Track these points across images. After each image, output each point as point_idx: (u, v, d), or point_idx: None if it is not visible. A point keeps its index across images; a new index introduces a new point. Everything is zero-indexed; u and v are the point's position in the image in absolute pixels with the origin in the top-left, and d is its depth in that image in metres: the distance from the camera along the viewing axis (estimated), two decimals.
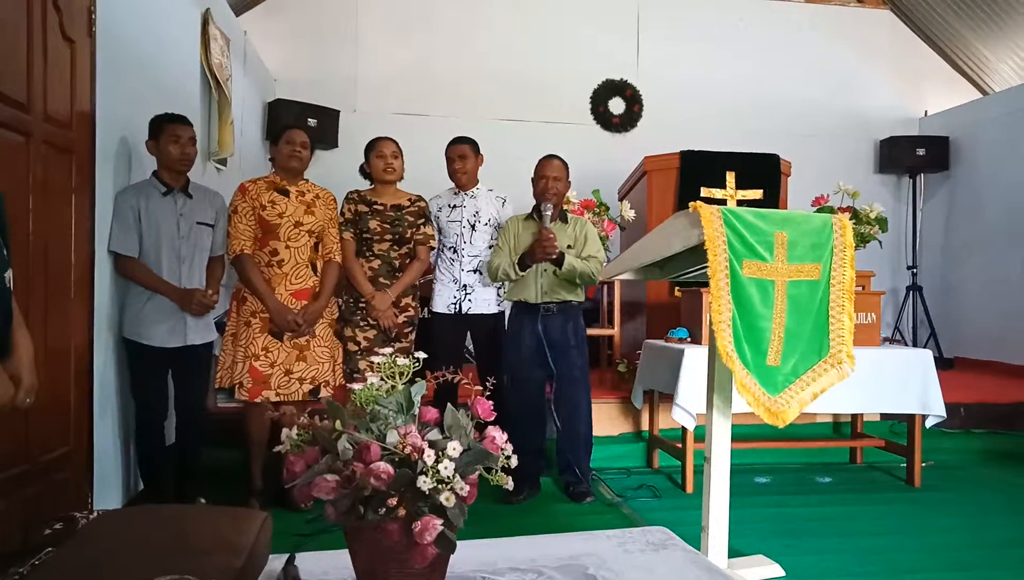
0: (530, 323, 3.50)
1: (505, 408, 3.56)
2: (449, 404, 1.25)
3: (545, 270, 3.46)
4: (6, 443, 2.21)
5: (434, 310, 3.75)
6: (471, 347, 3.99)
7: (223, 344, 3.29)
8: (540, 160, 3.60)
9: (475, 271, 3.70)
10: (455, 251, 3.70)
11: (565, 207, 4.02)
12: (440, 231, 3.76)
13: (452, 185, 3.78)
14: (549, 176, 3.50)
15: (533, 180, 3.59)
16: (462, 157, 3.69)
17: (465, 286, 3.69)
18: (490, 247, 3.73)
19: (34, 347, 1.58)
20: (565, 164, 3.58)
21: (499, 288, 3.76)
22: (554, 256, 3.34)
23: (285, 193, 3.30)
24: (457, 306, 3.68)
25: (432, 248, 3.65)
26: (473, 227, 3.70)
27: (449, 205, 3.74)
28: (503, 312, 3.79)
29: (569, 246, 3.47)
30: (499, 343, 3.81)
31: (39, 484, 2.43)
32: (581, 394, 3.57)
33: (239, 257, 3.21)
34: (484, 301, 3.71)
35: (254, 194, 3.25)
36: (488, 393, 1.31)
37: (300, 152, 3.31)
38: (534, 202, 3.58)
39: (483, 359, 3.79)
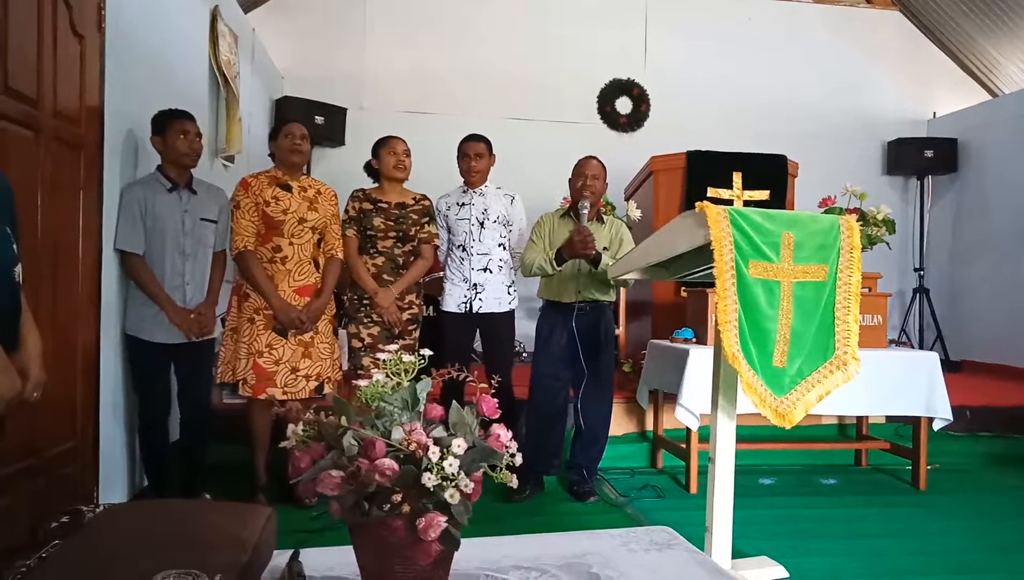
0: (564, 322, 3.50)
1: (509, 409, 3.58)
2: (454, 401, 1.25)
3: (580, 270, 3.46)
4: (13, 437, 2.22)
5: (444, 309, 3.72)
6: (478, 346, 3.99)
7: (223, 339, 3.30)
8: (579, 160, 3.59)
9: (485, 269, 3.67)
10: (464, 249, 3.68)
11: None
12: (449, 230, 3.75)
13: (460, 183, 3.78)
14: (588, 175, 3.50)
15: (570, 180, 3.59)
16: (479, 155, 3.67)
17: (476, 285, 3.66)
18: (500, 245, 3.72)
19: (42, 342, 1.59)
20: (603, 165, 3.58)
21: (510, 286, 3.75)
22: (591, 254, 3.34)
23: (288, 189, 3.30)
24: (468, 305, 3.66)
25: (436, 247, 3.65)
26: (482, 225, 3.68)
27: (458, 203, 3.73)
28: (513, 311, 3.79)
29: (605, 248, 3.46)
30: (509, 342, 3.81)
31: (45, 478, 2.45)
32: (606, 394, 3.58)
33: (242, 253, 3.21)
34: (495, 300, 3.68)
35: (256, 189, 3.25)
36: (493, 391, 1.31)
37: (301, 145, 3.30)
38: (541, 201, 3.59)
39: (491, 358, 3.78)
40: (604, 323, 3.54)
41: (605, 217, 3.64)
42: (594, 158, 3.59)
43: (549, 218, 3.62)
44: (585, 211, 3.39)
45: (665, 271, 2.68)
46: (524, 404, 3.68)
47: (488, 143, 3.73)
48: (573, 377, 3.55)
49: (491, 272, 3.68)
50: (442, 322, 3.74)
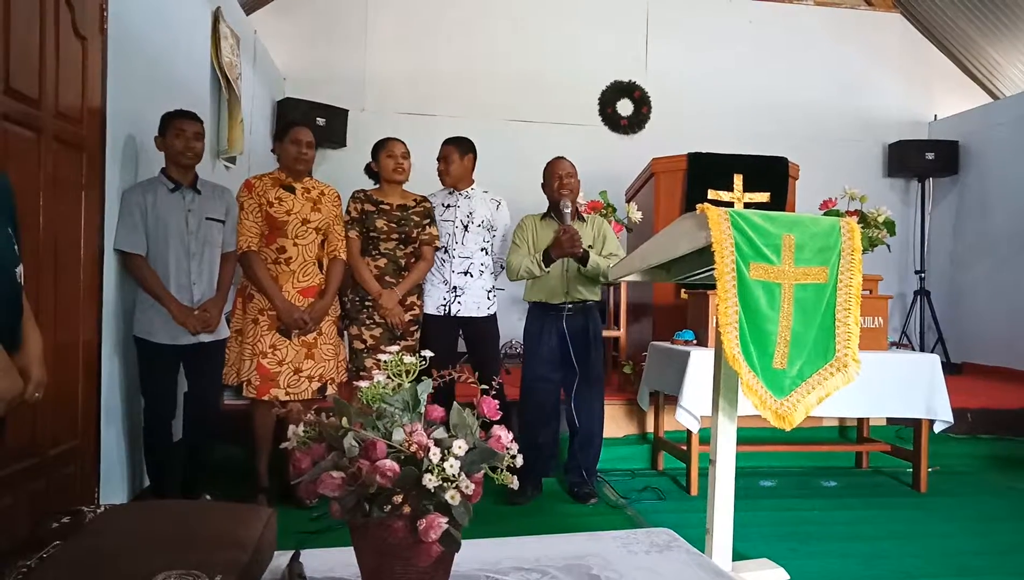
0: (553, 323, 3.49)
1: (521, 409, 3.57)
2: (455, 402, 1.25)
3: (567, 269, 3.46)
4: (15, 437, 2.23)
5: (425, 311, 3.67)
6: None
7: (228, 341, 3.29)
8: (549, 162, 3.60)
9: (465, 273, 3.65)
10: (446, 252, 3.66)
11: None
12: None
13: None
14: (562, 174, 3.51)
15: (544, 183, 3.59)
16: (444, 158, 3.69)
17: (455, 288, 3.64)
18: (482, 249, 3.71)
19: (43, 342, 1.59)
20: (573, 164, 3.60)
21: (490, 291, 3.74)
22: (579, 252, 3.34)
23: (291, 190, 3.30)
24: (447, 308, 3.64)
25: (437, 248, 3.65)
26: (466, 228, 3.66)
27: (443, 205, 3.71)
28: (495, 315, 3.78)
29: (590, 246, 3.47)
30: (493, 345, 3.80)
31: (46, 478, 2.45)
32: (597, 394, 3.58)
33: (245, 254, 3.22)
34: (474, 304, 3.66)
35: (260, 190, 3.26)
36: (493, 392, 1.31)
37: (306, 153, 3.31)
38: (545, 202, 3.59)
39: (476, 361, 3.74)
40: (592, 322, 3.55)
41: (585, 215, 3.64)
42: (563, 158, 3.60)
43: (531, 220, 3.60)
44: (568, 210, 3.39)
45: (666, 273, 2.68)
46: (515, 406, 3.68)
47: (459, 145, 3.70)
48: (563, 378, 3.55)
49: (471, 276, 3.66)
50: (425, 324, 3.69)
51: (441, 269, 3.68)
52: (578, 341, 3.48)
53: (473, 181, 3.77)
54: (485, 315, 3.71)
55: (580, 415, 3.53)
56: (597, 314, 3.62)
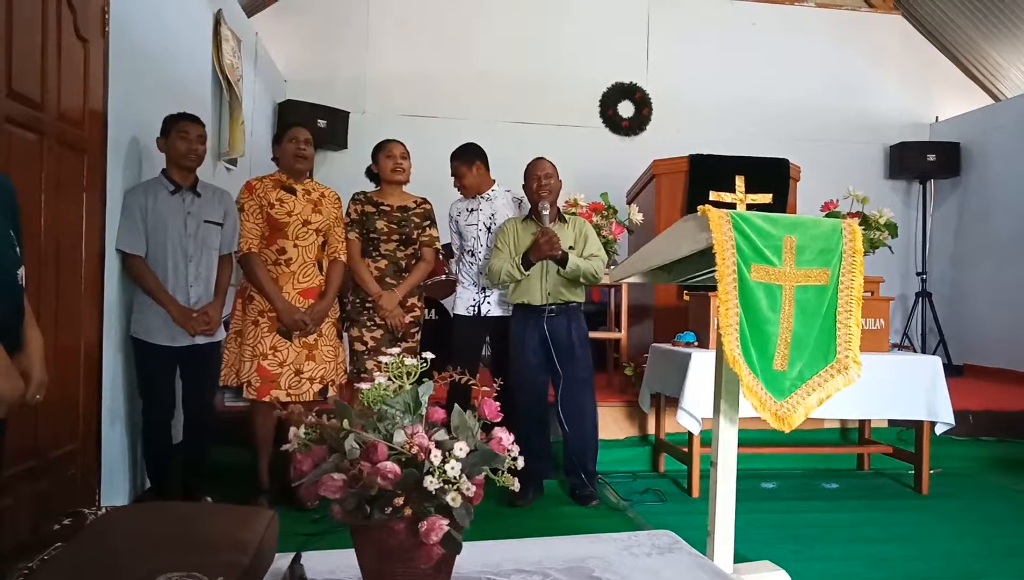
0: (534, 325, 3.49)
1: (512, 411, 3.57)
2: (456, 404, 1.25)
3: (547, 272, 3.46)
4: (16, 439, 2.23)
5: (455, 312, 3.79)
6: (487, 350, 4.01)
7: (227, 342, 3.29)
8: (529, 164, 3.59)
9: None
10: (473, 254, 3.74)
11: (572, 209, 4.05)
12: (460, 235, 3.80)
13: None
14: (540, 175, 3.49)
15: (524, 185, 3.59)
16: (454, 175, 3.75)
17: (484, 289, 3.72)
18: None
19: (44, 343, 1.59)
20: (553, 165, 3.59)
21: (503, 290, 3.75)
22: (558, 254, 3.35)
23: (292, 191, 3.31)
24: (476, 308, 3.72)
25: (437, 250, 3.66)
26: (489, 230, 3.72)
27: (467, 209, 3.78)
28: None
29: (571, 247, 3.47)
30: None
31: (48, 480, 2.45)
32: (587, 395, 3.56)
33: (246, 256, 3.22)
34: (502, 303, 3.71)
35: (261, 192, 3.26)
36: (495, 394, 1.31)
37: (305, 149, 3.31)
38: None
39: (498, 361, 3.78)
40: (576, 324, 3.53)
41: (567, 216, 3.64)
42: (543, 158, 3.59)
43: (512, 224, 3.59)
44: (546, 212, 3.39)
45: (667, 274, 2.68)
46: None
47: (463, 158, 3.73)
48: (550, 380, 3.55)
49: None
50: (452, 324, 3.78)
51: (470, 271, 3.75)
52: (560, 343, 3.47)
53: (493, 182, 3.80)
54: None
55: (570, 418, 3.50)
56: (581, 315, 3.60)
